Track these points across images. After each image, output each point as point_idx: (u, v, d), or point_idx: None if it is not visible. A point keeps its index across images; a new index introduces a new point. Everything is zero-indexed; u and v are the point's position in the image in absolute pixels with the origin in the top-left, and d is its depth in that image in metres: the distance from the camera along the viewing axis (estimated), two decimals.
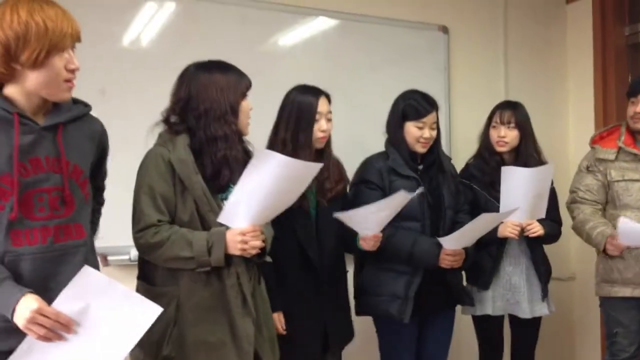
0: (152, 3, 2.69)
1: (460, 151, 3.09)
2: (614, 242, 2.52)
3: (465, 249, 2.36)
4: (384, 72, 3.16)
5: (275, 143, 2.21)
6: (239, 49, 2.83)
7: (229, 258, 1.81)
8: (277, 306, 2.14)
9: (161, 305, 1.51)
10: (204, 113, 1.84)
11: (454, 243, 2.29)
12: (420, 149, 2.42)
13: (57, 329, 1.43)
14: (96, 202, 1.77)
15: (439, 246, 2.31)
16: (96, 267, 1.65)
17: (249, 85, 1.93)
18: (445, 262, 2.31)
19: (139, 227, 1.82)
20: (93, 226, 1.78)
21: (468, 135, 2.86)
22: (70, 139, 1.59)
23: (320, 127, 2.22)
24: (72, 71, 1.52)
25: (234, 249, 1.78)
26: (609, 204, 2.71)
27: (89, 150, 1.65)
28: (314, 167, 1.78)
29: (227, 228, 1.79)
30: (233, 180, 1.80)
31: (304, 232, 2.20)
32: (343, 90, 2.95)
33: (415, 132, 2.40)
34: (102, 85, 2.51)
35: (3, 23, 1.44)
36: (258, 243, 1.80)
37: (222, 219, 1.75)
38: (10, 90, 1.51)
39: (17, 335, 1.45)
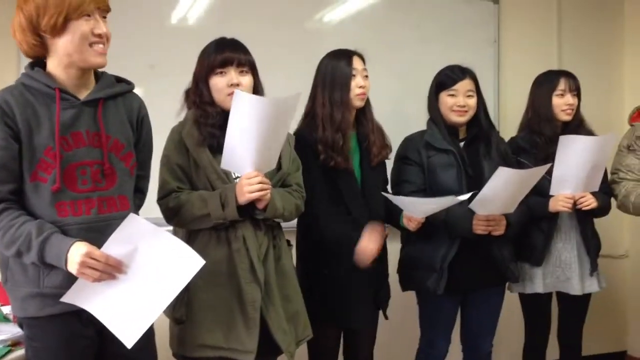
0: None
1: (510, 125, 3.01)
2: None
3: (507, 217, 2.28)
4: (432, 46, 3.11)
5: (313, 108, 2.21)
6: (285, 25, 2.85)
7: (243, 213, 1.83)
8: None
9: None
10: (194, 91, 1.96)
11: (483, 207, 2.21)
12: (456, 117, 2.37)
13: (107, 271, 1.50)
14: (137, 189, 1.77)
15: (474, 213, 2.25)
16: None
17: (215, 62, 1.90)
18: (480, 228, 2.25)
19: (161, 195, 1.91)
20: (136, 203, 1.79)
21: (518, 109, 2.78)
22: (110, 114, 1.64)
23: (357, 83, 2.21)
24: (99, 36, 1.55)
25: (242, 195, 1.79)
26: None
27: (129, 126, 1.70)
28: (293, 99, 1.78)
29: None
30: None
31: (350, 195, 2.19)
32: (390, 66, 2.91)
33: (449, 101, 2.37)
34: (151, 62, 2.56)
35: None
36: (264, 186, 1.80)
37: (223, 165, 1.79)
38: (51, 66, 1.59)
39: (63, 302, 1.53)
